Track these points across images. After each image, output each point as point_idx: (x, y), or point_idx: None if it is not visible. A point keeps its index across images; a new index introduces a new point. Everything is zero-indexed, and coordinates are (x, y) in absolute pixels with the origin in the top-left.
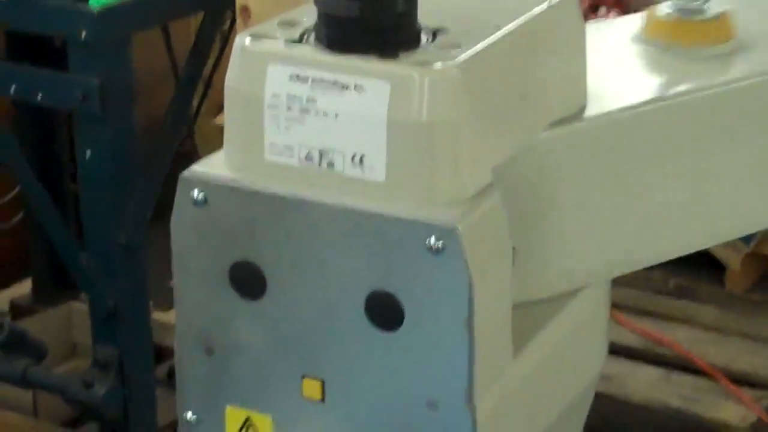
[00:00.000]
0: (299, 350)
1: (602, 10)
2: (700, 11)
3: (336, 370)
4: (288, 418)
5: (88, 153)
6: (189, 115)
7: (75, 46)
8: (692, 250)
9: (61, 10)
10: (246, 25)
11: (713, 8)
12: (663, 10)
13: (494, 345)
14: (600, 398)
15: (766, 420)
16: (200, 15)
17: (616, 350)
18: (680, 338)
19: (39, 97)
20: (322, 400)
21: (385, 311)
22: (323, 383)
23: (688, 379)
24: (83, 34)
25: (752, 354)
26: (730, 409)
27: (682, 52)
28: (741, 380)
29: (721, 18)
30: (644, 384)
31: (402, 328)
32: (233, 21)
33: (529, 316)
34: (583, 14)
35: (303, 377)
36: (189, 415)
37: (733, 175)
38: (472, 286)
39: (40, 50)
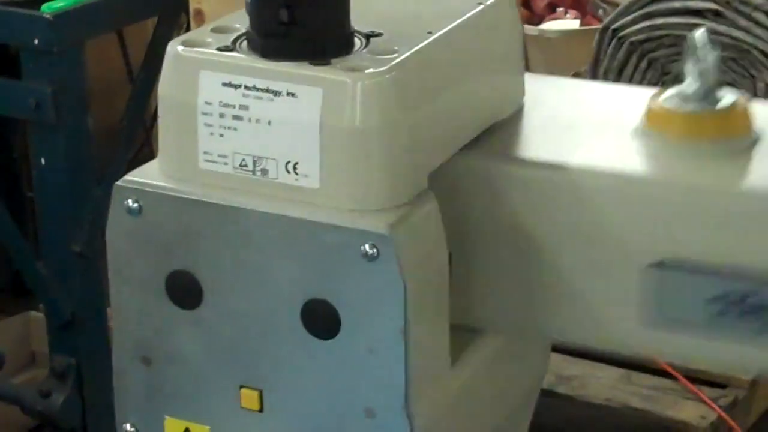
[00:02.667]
0: (237, 360)
1: (560, 10)
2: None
3: (274, 380)
4: (227, 429)
5: (43, 161)
6: (145, 120)
7: (28, 54)
8: None
9: (13, 17)
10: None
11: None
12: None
13: (431, 352)
14: (562, 399)
15: (726, 418)
16: (155, 19)
17: (576, 352)
18: None
19: None
20: (261, 410)
21: (321, 319)
22: (261, 393)
23: (648, 379)
24: (35, 40)
25: None
26: (690, 408)
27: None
28: (700, 380)
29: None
30: (605, 385)
31: (339, 336)
32: (188, 25)
33: None
34: (541, 14)
35: (241, 387)
36: (128, 426)
37: None
38: (407, 292)
39: None
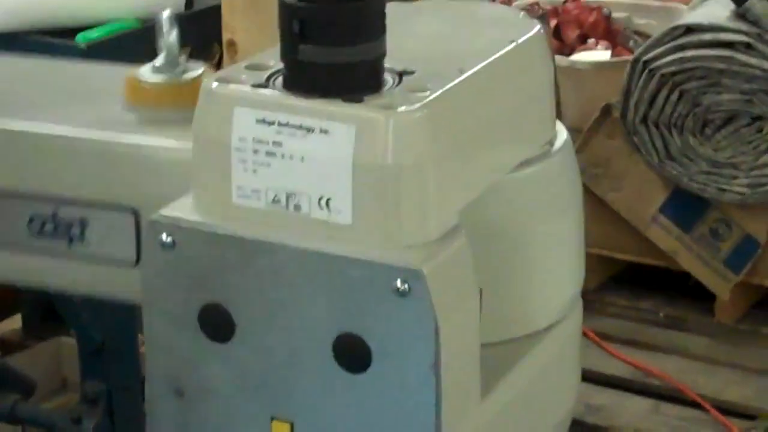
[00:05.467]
0: (268, 392)
1: (591, 41)
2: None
3: (305, 413)
4: None
5: None
6: None
7: None
8: None
9: (49, 46)
10: (233, 59)
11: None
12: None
13: (462, 387)
14: (590, 430)
15: None
16: (188, 49)
17: (605, 381)
18: (669, 369)
19: None
20: None
21: (352, 353)
22: (292, 426)
23: (677, 410)
24: None
25: (741, 384)
26: None
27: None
28: (730, 411)
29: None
30: (634, 415)
31: (369, 371)
32: (221, 56)
33: (499, 356)
34: (572, 45)
35: (272, 419)
36: None
37: None
38: (439, 328)
39: None
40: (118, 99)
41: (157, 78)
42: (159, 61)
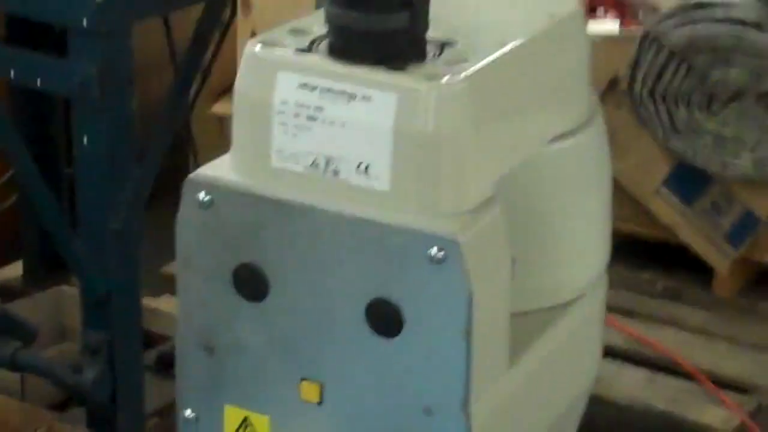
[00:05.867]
0: (299, 353)
1: (600, 11)
2: None
3: (335, 374)
4: (285, 420)
5: (85, 139)
6: (187, 103)
7: (75, 34)
8: None
9: None
10: (247, 18)
11: None
12: None
13: (491, 354)
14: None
15: (749, 424)
16: (200, 5)
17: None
18: (666, 340)
19: (38, 83)
20: (320, 402)
21: (384, 318)
22: (322, 386)
23: (672, 382)
24: (84, 21)
25: (738, 358)
26: (714, 413)
27: None
28: (726, 384)
29: None
30: (629, 385)
31: (401, 336)
32: (233, 12)
33: (526, 325)
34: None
35: (302, 380)
36: (188, 412)
37: None
38: (472, 296)
39: (40, 35)
40: None
41: None
42: None
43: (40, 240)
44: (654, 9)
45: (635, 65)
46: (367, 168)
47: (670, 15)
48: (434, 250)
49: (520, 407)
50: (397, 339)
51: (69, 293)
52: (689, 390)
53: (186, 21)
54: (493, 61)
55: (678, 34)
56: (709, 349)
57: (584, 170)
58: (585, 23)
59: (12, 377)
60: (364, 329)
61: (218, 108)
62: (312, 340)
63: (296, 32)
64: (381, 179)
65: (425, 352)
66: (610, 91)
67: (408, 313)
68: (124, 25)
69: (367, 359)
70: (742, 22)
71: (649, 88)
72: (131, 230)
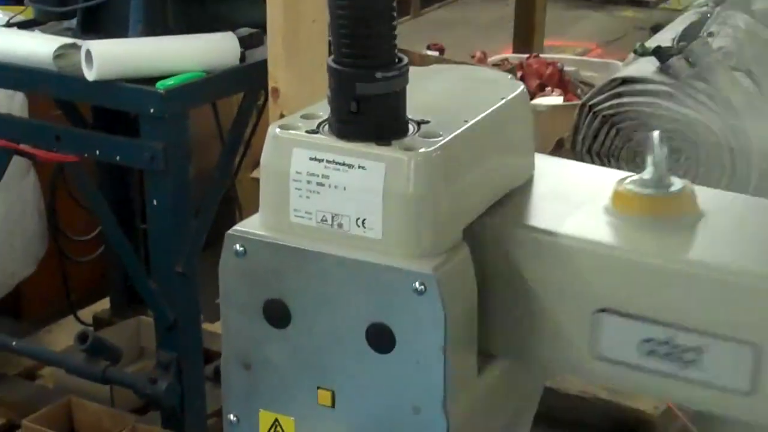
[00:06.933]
0: (315, 367)
1: (548, 89)
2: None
3: (343, 383)
4: (307, 421)
5: (155, 201)
6: (232, 170)
7: (145, 119)
8: None
9: (134, 91)
10: (275, 102)
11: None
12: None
13: (464, 365)
14: (546, 391)
15: (674, 409)
16: (241, 94)
17: None
18: None
19: (117, 159)
20: (333, 406)
21: (381, 338)
22: (333, 393)
23: None
24: (151, 109)
25: None
26: (646, 400)
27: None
28: None
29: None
30: (581, 380)
31: (394, 352)
32: (266, 99)
33: None
34: (533, 92)
35: (318, 388)
36: (231, 416)
37: None
38: (447, 320)
39: (119, 121)
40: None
41: (645, 190)
42: (647, 174)
43: (123, 281)
44: (589, 86)
45: (576, 130)
46: (363, 222)
47: (601, 89)
48: (417, 284)
49: (488, 406)
50: (390, 354)
51: (146, 322)
52: None
53: (230, 105)
54: (460, 135)
55: (608, 105)
56: None
57: None
58: (529, 102)
59: (103, 389)
60: (366, 347)
61: (257, 173)
62: (325, 357)
63: (307, 117)
64: (375, 230)
65: (413, 364)
66: (556, 149)
67: (398, 333)
68: (182, 111)
69: (368, 371)
70: (657, 94)
71: (587, 147)
72: (192, 271)
